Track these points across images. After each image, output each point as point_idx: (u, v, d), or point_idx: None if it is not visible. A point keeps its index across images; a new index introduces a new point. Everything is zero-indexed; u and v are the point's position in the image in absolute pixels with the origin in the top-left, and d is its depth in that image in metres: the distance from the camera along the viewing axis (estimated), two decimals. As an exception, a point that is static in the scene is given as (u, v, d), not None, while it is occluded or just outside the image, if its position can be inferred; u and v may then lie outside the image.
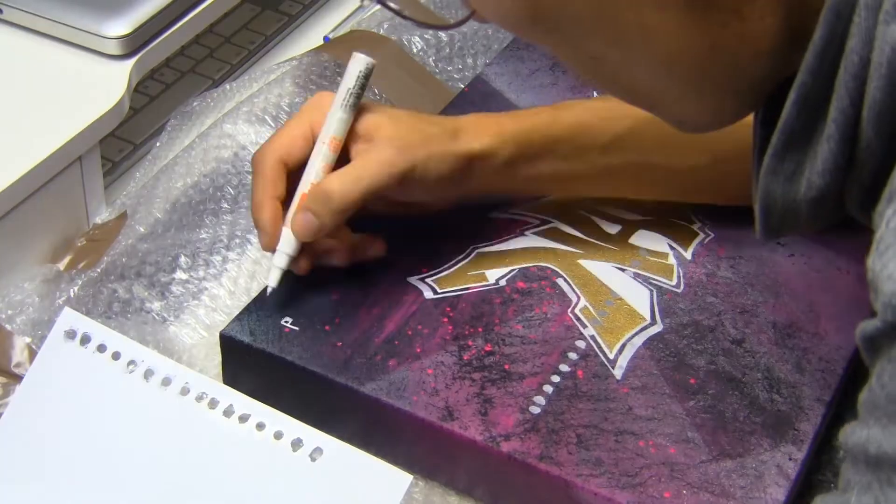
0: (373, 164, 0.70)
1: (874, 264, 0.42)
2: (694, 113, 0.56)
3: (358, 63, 0.71)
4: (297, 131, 0.72)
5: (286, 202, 0.72)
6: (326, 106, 0.72)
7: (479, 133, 0.74)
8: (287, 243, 0.71)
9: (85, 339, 0.66)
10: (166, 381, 0.65)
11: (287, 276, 0.75)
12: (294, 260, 0.72)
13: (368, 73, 0.72)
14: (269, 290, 0.72)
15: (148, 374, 0.65)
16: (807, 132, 0.50)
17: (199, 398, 0.65)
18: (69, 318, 0.67)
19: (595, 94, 0.86)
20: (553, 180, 0.77)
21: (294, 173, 0.72)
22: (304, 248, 0.72)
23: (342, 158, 0.72)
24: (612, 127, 0.75)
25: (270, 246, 0.71)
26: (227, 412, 0.64)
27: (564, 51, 0.55)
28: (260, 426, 0.63)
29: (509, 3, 0.52)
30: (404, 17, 0.64)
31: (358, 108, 0.72)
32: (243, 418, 0.64)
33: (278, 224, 0.71)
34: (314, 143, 0.72)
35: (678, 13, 0.49)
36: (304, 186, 0.71)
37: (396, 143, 0.71)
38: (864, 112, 0.46)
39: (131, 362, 0.66)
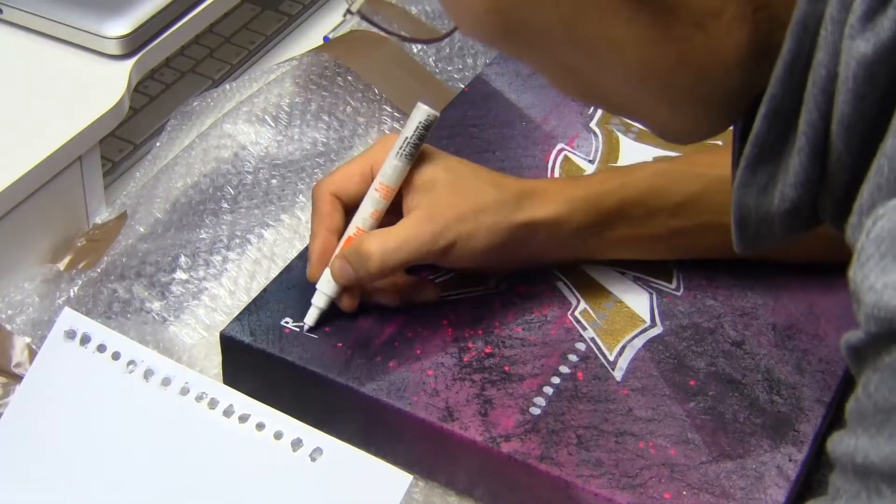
0: (414, 237, 0.69)
1: (855, 275, 0.41)
2: (671, 123, 0.56)
3: (420, 113, 0.70)
4: (355, 168, 0.72)
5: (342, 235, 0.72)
6: (390, 148, 0.71)
7: (546, 200, 0.72)
8: (327, 284, 0.71)
9: (85, 339, 0.66)
10: (166, 381, 0.65)
11: (288, 275, 0.75)
12: (339, 297, 0.71)
13: (430, 124, 0.70)
14: (305, 327, 0.71)
15: (148, 374, 0.65)
16: (778, 145, 0.50)
17: (199, 398, 0.65)
18: (69, 318, 0.67)
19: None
20: (621, 244, 0.74)
21: (351, 208, 0.72)
22: (350, 287, 0.71)
23: (397, 204, 0.71)
24: (684, 188, 0.73)
25: (313, 277, 0.71)
26: (227, 412, 0.64)
27: (540, 64, 0.55)
28: (260, 426, 0.63)
29: (480, 18, 0.52)
30: (389, 32, 0.64)
31: (420, 156, 0.71)
32: (243, 418, 0.64)
33: (325, 257, 0.71)
34: (371, 180, 0.71)
35: (644, 27, 0.50)
36: (351, 229, 0.71)
37: (442, 215, 0.69)
38: (833, 125, 0.46)
39: (131, 362, 0.66)
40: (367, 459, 0.62)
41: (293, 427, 0.63)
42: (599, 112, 0.90)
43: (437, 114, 0.70)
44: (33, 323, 0.76)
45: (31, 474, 0.65)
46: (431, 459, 0.69)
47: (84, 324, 0.67)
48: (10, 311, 0.76)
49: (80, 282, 0.79)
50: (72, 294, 0.78)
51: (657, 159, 0.77)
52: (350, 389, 0.69)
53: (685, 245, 0.75)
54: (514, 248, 0.71)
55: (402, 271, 0.72)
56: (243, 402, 0.64)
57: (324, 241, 0.71)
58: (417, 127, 0.70)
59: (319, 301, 0.71)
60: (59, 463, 0.65)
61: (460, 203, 0.70)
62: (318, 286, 0.71)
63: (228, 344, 0.72)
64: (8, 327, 0.76)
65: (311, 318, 0.71)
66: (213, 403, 0.64)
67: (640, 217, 0.73)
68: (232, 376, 0.73)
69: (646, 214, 0.73)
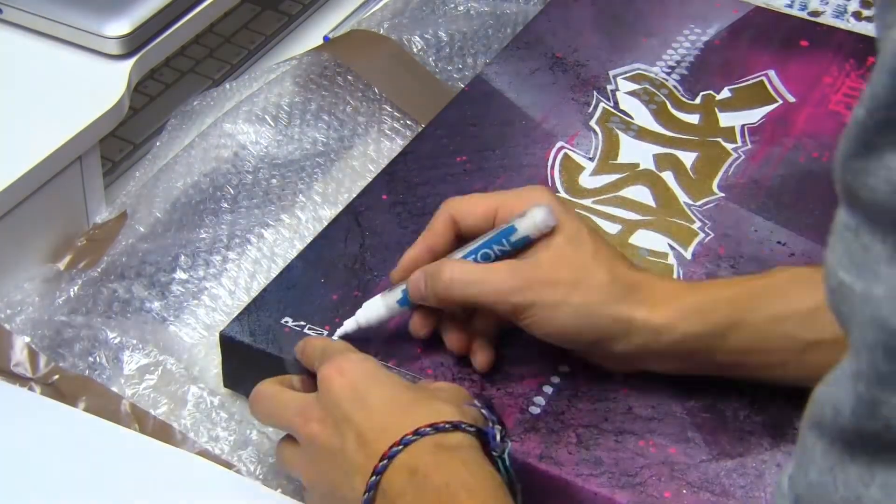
0: (492, 281, 0.65)
1: None
2: None
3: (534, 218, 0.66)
4: (482, 203, 0.69)
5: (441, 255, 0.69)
6: (527, 199, 0.67)
7: (656, 301, 0.65)
8: (368, 311, 0.69)
9: None
10: None
11: (288, 274, 0.75)
12: (412, 317, 0.69)
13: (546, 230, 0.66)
14: (336, 333, 0.70)
15: None
16: None
17: None
18: None
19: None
20: (738, 360, 0.66)
21: (466, 236, 0.69)
22: (426, 310, 0.69)
23: None
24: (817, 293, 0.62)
25: (393, 278, 0.70)
26: None
27: None
28: None
29: None
30: None
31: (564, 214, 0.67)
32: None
33: (409, 267, 0.69)
34: (493, 221, 0.68)
35: None
36: (454, 254, 0.68)
37: (531, 273, 0.65)
38: None
39: None
40: None
41: None
42: (599, 110, 0.90)
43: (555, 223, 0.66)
44: (33, 323, 0.76)
45: None
46: (431, 458, 0.69)
47: None
48: (9, 311, 0.76)
49: (80, 282, 0.79)
50: (72, 294, 0.78)
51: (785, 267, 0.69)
52: (350, 389, 0.69)
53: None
54: (601, 341, 0.66)
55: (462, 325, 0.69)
56: None
57: (418, 253, 0.69)
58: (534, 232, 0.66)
59: (349, 325, 0.70)
60: None
61: (559, 270, 0.65)
62: (386, 292, 0.69)
63: (228, 344, 0.72)
64: (7, 327, 0.76)
65: (340, 331, 0.70)
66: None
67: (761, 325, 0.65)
68: (232, 376, 0.73)
69: (769, 321, 0.65)
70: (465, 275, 0.66)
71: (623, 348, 0.66)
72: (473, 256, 0.67)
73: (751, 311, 0.65)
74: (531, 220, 0.66)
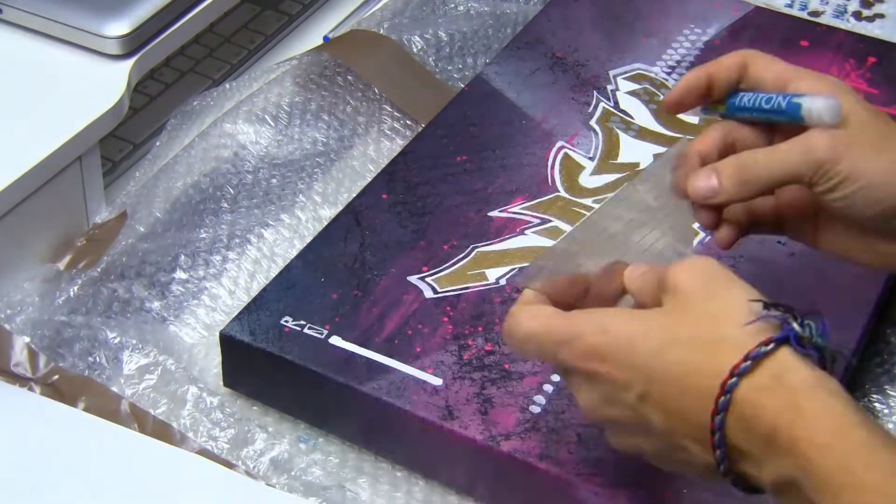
0: (802, 145, 0.60)
1: None
2: None
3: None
4: (779, 66, 0.64)
5: (690, 104, 0.65)
6: (824, 88, 0.62)
7: None
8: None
9: None
10: None
11: (287, 274, 0.75)
12: (719, 230, 0.65)
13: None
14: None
15: None
16: None
17: None
18: None
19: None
20: None
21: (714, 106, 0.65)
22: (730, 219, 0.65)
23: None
24: None
25: (666, 105, 0.65)
26: None
27: None
28: None
29: None
30: None
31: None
32: None
33: (684, 91, 0.64)
34: (781, 90, 0.63)
35: None
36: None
37: (836, 137, 0.59)
38: None
39: None
40: None
41: None
42: (599, 110, 0.90)
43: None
44: (33, 323, 0.76)
45: None
46: (431, 458, 0.69)
47: None
48: (9, 311, 0.76)
49: (80, 282, 0.79)
50: (72, 294, 0.78)
51: None
52: (350, 388, 0.69)
53: None
54: None
55: None
56: None
57: (695, 77, 0.64)
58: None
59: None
60: None
61: (863, 134, 0.59)
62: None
63: (228, 343, 0.72)
64: (7, 327, 0.76)
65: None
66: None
67: None
68: (232, 376, 0.73)
69: None
70: (768, 152, 0.60)
71: None
72: (753, 95, 0.63)
73: None
74: (816, 106, 0.60)
